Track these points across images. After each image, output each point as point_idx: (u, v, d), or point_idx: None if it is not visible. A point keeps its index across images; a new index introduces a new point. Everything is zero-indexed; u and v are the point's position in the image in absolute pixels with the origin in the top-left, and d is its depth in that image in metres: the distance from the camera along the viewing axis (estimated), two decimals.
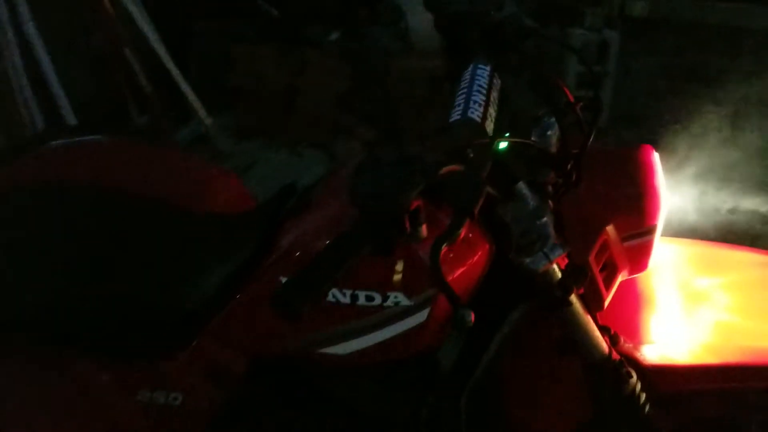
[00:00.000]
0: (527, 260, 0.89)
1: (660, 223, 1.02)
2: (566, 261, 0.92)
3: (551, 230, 0.90)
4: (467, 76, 1.04)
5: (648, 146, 1.07)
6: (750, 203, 2.77)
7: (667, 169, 1.09)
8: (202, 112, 3.12)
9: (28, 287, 1.18)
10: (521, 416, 1.15)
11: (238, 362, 1.18)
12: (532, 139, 1.05)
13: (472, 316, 0.75)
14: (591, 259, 0.96)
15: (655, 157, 1.07)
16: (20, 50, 2.64)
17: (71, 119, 2.72)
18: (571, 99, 1.10)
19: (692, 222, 2.24)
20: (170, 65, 3.04)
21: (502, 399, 1.18)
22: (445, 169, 0.81)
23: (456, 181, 0.82)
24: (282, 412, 1.24)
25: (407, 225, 0.80)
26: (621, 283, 1.09)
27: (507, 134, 0.99)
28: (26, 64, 2.67)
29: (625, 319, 1.08)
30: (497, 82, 1.05)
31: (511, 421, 1.16)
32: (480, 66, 1.05)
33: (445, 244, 0.78)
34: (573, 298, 0.94)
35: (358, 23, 3.68)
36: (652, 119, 3.23)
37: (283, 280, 1.05)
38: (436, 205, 0.94)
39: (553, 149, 1.04)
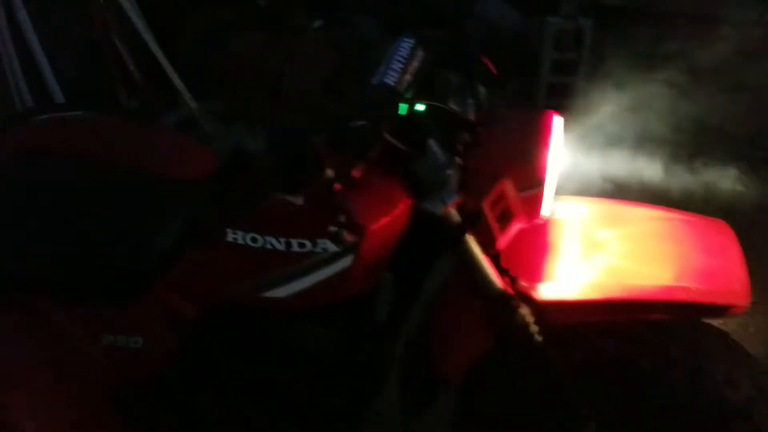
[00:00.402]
0: (428, 205, 1.02)
1: (551, 177, 1.14)
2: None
3: (452, 180, 1.03)
4: (392, 47, 1.16)
5: (551, 111, 1.20)
6: None
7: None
8: (188, 97, 3.23)
9: (6, 241, 1.31)
10: (438, 353, 1.28)
11: (191, 308, 1.31)
12: (450, 105, 1.17)
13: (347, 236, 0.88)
14: (485, 205, 1.09)
15: (557, 120, 1.19)
16: (12, 36, 2.76)
17: (60, 100, 2.84)
18: (494, 71, 1.23)
19: None
20: (158, 52, 3.15)
21: (427, 341, 1.31)
22: (353, 124, 0.94)
23: (360, 134, 0.95)
24: (235, 356, 1.37)
25: (312, 167, 0.92)
26: (528, 234, 1.23)
27: (424, 100, 1.12)
28: (18, 51, 2.79)
29: (527, 264, 1.22)
30: (420, 53, 1.17)
31: (432, 360, 1.29)
32: (405, 39, 1.17)
33: (342, 183, 0.90)
34: (467, 238, 1.07)
35: (342, 11, 3.79)
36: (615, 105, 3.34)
37: (230, 231, 1.18)
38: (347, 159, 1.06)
39: (470, 114, 1.16)
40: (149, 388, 1.40)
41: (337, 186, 0.91)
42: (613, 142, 3.01)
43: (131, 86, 3.26)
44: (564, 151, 1.21)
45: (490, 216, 1.11)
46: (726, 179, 3.21)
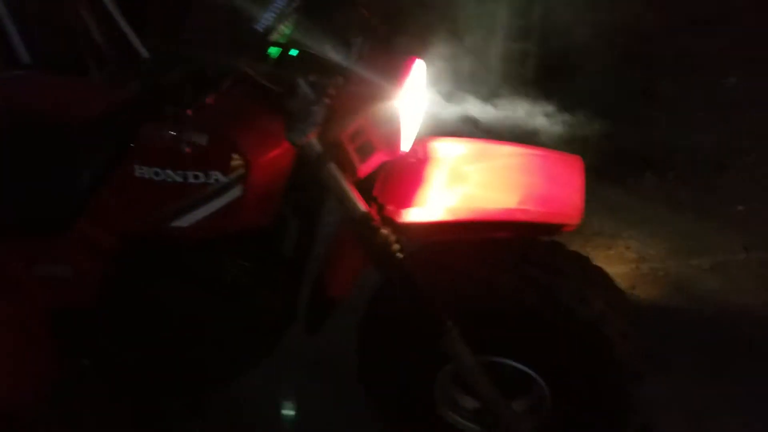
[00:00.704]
0: (291, 135, 1.19)
1: (407, 114, 1.30)
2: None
3: (315, 115, 1.19)
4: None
5: (414, 57, 1.36)
6: None
7: None
8: (142, 50, 3.38)
9: None
10: (328, 275, 1.47)
11: (110, 239, 1.48)
12: (323, 51, 1.32)
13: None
14: (344, 138, 1.25)
15: (418, 65, 1.36)
16: None
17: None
18: (370, 19, 1.39)
19: None
20: (125, 26, 3.30)
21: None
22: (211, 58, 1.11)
23: (216, 68, 1.12)
24: (153, 284, 1.54)
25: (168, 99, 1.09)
26: (400, 169, 1.41)
27: (297, 46, 1.28)
28: None
29: (395, 194, 1.39)
30: (296, 3, 1.32)
31: (323, 281, 1.48)
32: None
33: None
34: (329, 165, 1.24)
35: None
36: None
37: (137, 168, 1.35)
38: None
39: (342, 59, 1.32)
40: (83, 313, 1.58)
41: (188, 111, 1.08)
42: None
43: (98, 56, 3.43)
44: (425, 92, 1.39)
45: (350, 147, 1.26)
46: None
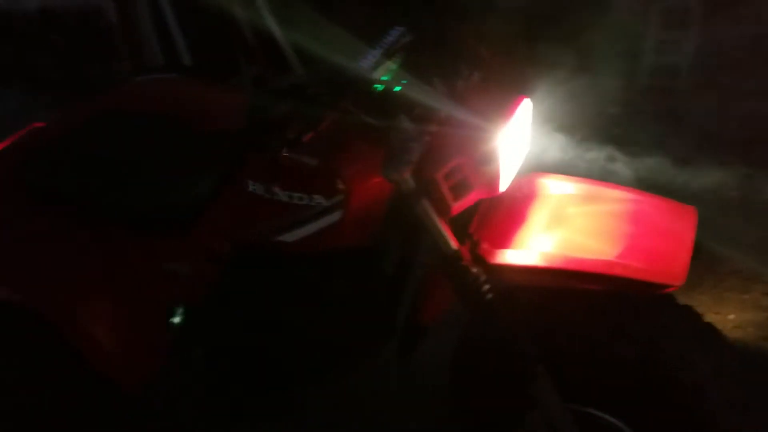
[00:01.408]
0: (386, 171, 1.21)
1: (507, 155, 1.28)
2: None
3: (412, 152, 1.21)
4: (383, 35, 1.35)
5: (522, 96, 1.33)
6: None
7: None
8: (297, 65, 3.57)
9: (96, 176, 1.67)
10: (420, 303, 1.49)
11: (224, 246, 1.59)
12: (425, 86, 1.33)
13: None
14: (439, 176, 1.26)
15: (524, 103, 1.33)
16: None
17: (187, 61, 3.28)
18: (480, 53, 1.39)
19: None
20: (273, 25, 3.51)
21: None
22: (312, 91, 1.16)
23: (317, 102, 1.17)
24: (258, 290, 1.64)
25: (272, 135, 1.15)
26: (499, 207, 1.39)
27: (399, 82, 1.31)
28: (152, 17, 3.25)
29: (493, 233, 1.37)
30: (405, 39, 1.34)
31: (415, 308, 1.50)
32: (395, 28, 1.36)
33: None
34: (422, 202, 1.25)
35: None
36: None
37: (250, 183, 1.44)
38: None
39: (446, 94, 1.33)
40: (195, 308, 1.71)
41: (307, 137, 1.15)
42: None
43: (250, 55, 3.66)
44: (529, 132, 1.35)
45: (445, 185, 1.27)
46: None
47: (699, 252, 1.32)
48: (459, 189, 1.29)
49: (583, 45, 3.34)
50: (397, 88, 1.27)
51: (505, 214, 1.41)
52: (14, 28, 4.10)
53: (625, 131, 3.19)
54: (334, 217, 1.39)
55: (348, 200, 1.36)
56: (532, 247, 1.32)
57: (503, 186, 1.30)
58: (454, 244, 1.30)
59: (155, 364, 1.70)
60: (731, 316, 2.20)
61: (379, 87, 1.26)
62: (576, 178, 1.50)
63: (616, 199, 1.42)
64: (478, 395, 1.55)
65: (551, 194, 1.45)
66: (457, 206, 1.30)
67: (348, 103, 1.22)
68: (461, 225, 1.36)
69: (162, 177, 1.64)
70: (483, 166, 1.26)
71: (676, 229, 1.33)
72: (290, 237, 1.46)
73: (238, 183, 1.48)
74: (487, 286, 1.31)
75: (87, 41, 3.60)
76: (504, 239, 1.35)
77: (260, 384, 1.81)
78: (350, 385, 1.77)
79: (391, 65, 1.32)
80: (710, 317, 2.00)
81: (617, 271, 1.24)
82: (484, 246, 1.34)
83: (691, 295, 2.30)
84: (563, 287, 1.34)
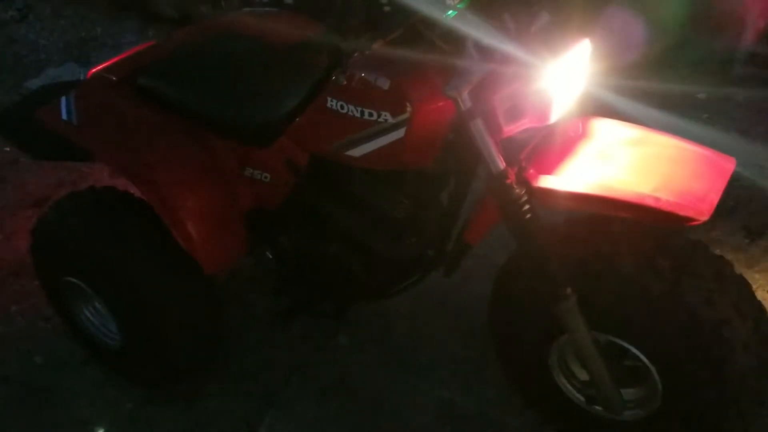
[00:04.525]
0: (446, 88, 1.36)
1: (560, 86, 1.39)
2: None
3: (472, 74, 1.34)
4: None
5: (584, 37, 1.43)
6: None
7: None
8: None
9: (198, 87, 1.89)
10: (467, 222, 1.64)
11: (302, 156, 1.79)
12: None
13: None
14: (495, 98, 1.38)
15: (584, 45, 1.43)
16: None
17: None
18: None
19: None
20: None
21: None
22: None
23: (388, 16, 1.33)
24: (327, 199, 1.83)
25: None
26: (553, 141, 1.51)
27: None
28: None
29: (541, 161, 1.49)
30: None
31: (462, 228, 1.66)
32: None
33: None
34: (476, 121, 1.38)
35: None
36: None
37: (329, 99, 1.62)
38: None
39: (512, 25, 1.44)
40: (270, 213, 1.92)
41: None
42: None
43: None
44: (585, 72, 1.46)
45: (498, 107, 1.39)
46: None
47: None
48: (512, 113, 1.41)
49: None
50: (461, 6, 1.40)
51: (555, 147, 1.52)
52: None
53: None
54: (399, 134, 1.54)
55: (412, 119, 1.51)
56: (574, 176, 1.44)
57: (554, 117, 1.42)
58: (501, 163, 1.43)
59: (233, 255, 1.93)
60: None
61: (452, 13, 1.40)
62: (627, 124, 1.59)
63: (661, 144, 1.51)
64: (516, 315, 1.69)
65: (602, 135, 1.56)
66: (509, 129, 1.43)
67: (420, 23, 1.36)
68: (513, 150, 1.49)
69: (253, 93, 1.84)
70: (536, 96, 1.38)
71: (711, 174, 1.42)
72: (356, 152, 1.63)
73: (317, 99, 1.66)
74: (527, 206, 1.44)
75: None
76: (549, 167, 1.47)
77: (319, 290, 2.01)
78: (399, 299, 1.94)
79: None
80: (760, 294, 2.05)
81: (646, 202, 1.34)
82: (530, 170, 1.46)
83: (747, 272, 2.32)
84: (598, 216, 1.46)
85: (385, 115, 1.53)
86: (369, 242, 1.81)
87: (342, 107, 1.59)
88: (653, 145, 1.50)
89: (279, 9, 2.42)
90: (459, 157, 1.66)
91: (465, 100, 1.38)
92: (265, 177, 1.87)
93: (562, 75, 1.39)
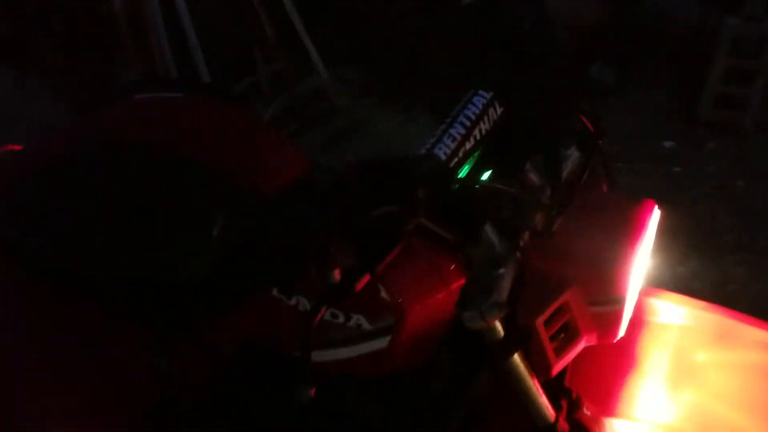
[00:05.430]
0: (464, 314, 0.84)
1: (633, 292, 0.91)
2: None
3: (501, 285, 0.83)
4: (462, 102, 0.98)
5: (650, 201, 0.96)
6: None
7: None
8: (320, 66, 3.20)
9: (72, 235, 1.30)
10: None
11: (230, 347, 1.24)
12: (520, 183, 0.96)
13: (312, 392, 0.75)
14: (539, 323, 0.89)
15: (654, 215, 0.95)
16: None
17: (204, 71, 2.88)
18: (591, 129, 1.01)
19: None
20: (296, 19, 3.13)
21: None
22: (375, 213, 0.78)
23: (384, 225, 0.79)
24: (262, 402, 1.29)
25: (311, 266, 0.78)
26: (604, 346, 1.01)
27: (484, 179, 0.94)
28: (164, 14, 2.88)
29: (598, 384, 1.00)
30: (494, 111, 0.97)
31: None
32: (480, 93, 0.98)
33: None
34: (515, 360, 0.88)
35: None
36: None
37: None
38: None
39: (547, 194, 0.95)
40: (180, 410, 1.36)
41: (359, 286, 0.78)
42: None
43: (268, 51, 3.28)
44: (650, 255, 0.97)
45: (544, 336, 0.90)
46: None
47: None
48: (563, 338, 0.92)
49: None
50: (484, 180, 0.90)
51: (609, 355, 1.04)
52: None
53: None
54: (378, 344, 1.03)
55: (401, 324, 1.00)
56: (652, 416, 0.96)
57: (623, 330, 0.93)
58: (551, 414, 0.93)
59: None
60: None
61: (457, 185, 0.89)
62: (698, 302, 1.12)
63: (754, 342, 1.04)
64: None
65: (668, 325, 1.08)
66: (560, 364, 0.93)
67: (422, 215, 0.83)
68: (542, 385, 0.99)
69: (160, 243, 1.26)
70: (600, 306, 0.89)
71: None
72: (318, 357, 1.10)
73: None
74: None
75: (88, 26, 3.21)
76: (612, 399, 0.99)
77: None
78: None
79: (473, 150, 0.94)
80: None
81: None
82: (587, 410, 0.97)
83: None
84: None
85: (358, 319, 1.02)
86: None
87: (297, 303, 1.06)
88: (748, 344, 1.05)
89: (185, 93, 1.76)
90: (457, 349, 1.17)
91: (496, 329, 0.87)
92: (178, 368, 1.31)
93: (638, 264, 0.90)
